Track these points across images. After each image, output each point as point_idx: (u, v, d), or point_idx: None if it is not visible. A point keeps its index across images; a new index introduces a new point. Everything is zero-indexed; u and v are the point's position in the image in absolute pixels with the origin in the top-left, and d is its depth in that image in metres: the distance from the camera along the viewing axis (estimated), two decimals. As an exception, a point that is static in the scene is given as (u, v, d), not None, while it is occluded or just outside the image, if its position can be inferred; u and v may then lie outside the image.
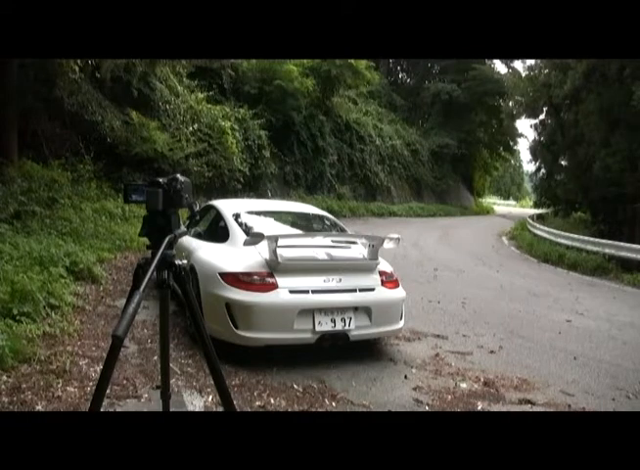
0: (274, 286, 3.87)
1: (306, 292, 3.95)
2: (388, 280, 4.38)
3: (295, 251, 4.09)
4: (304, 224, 5.34)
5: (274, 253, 3.88)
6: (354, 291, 4.13)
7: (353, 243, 4.57)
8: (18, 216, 7.28)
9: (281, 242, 3.92)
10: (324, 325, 3.92)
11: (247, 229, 4.47)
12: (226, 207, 5.16)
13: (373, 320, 4.13)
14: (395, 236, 4.27)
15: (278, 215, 5.35)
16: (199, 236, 5.13)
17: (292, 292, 3.91)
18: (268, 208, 5.91)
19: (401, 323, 4.49)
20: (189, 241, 5.01)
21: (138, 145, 11.50)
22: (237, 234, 4.46)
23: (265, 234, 3.93)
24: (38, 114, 10.03)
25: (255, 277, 3.89)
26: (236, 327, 3.83)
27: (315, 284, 4.00)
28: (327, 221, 5.44)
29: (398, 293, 4.45)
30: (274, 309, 3.84)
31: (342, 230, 5.18)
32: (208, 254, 4.46)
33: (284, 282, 3.90)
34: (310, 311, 3.90)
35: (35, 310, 4.29)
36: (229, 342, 3.85)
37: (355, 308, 4.08)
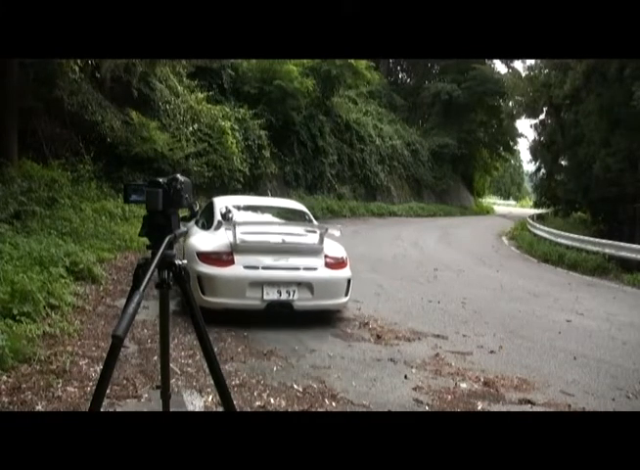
0: (232, 262, 4.87)
1: (257, 268, 4.90)
2: (335, 262, 5.21)
3: (253, 236, 5.03)
4: (282, 216, 6.25)
5: (234, 236, 4.87)
6: (298, 269, 5.03)
7: (312, 232, 5.38)
8: (18, 216, 7.28)
9: (242, 228, 4.95)
10: (271, 295, 4.85)
11: (228, 219, 5.34)
12: (218, 201, 6.10)
13: (315, 294, 4.97)
14: (338, 226, 5.70)
15: (261, 209, 6.37)
16: (200, 225, 5.92)
17: (245, 267, 4.88)
18: (253, 203, 6.89)
19: (345, 299, 5.27)
20: (190, 229, 5.63)
21: (138, 145, 11.50)
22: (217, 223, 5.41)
23: (225, 221, 5.05)
24: (38, 114, 10.03)
25: (219, 255, 4.90)
26: (203, 293, 4.78)
27: (265, 262, 4.94)
28: (300, 214, 6.31)
29: (342, 273, 5.24)
30: (230, 280, 4.82)
31: (310, 221, 6.05)
32: (195, 238, 5.43)
33: (240, 260, 4.88)
34: (260, 283, 4.84)
35: (35, 310, 4.29)
36: (200, 306, 4.33)
37: (298, 283, 4.94)
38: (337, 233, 5.40)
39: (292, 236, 5.23)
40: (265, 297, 4.83)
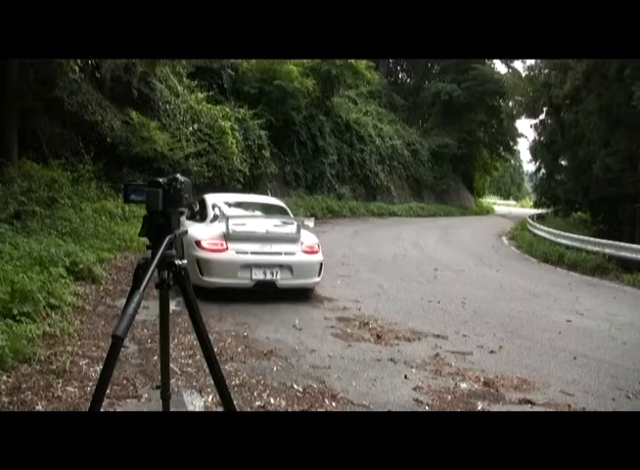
0: (226, 249, 5.83)
1: (246, 253, 5.85)
2: (309, 249, 6.22)
3: (242, 227, 5.98)
4: (264, 210, 7.21)
5: (227, 227, 5.82)
6: (280, 254, 6.00)
7: (290, 224, 6.32)
8: (18, 216, 7.28)
9: (233, 221, 5.91)
10: (258, 275, 5.82)
11: (219, 213, 6.36)
12: (209, 198, 7.07)
13: (294, 274, 5.99)
14: (311, 219, 6.51)
15: (246, 204, 7.37)
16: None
17: (237, 253, 5.83)
18: (240, 199, 7.85)
19: (318, 278, 6.31)
20: (184, 222, 6.15)
21: (138, 145, 11.50)
22: (210, 216, 6.46)
23: (221, 215, 6.08)
24: (38, 114, 10.03)
25: (215, 243, 5.85)
26: (201, 274, 5.74)
27: (253, 249, 5.90)
28: (278, 208, 7.29)
29: (315, 257, 6.27)
30: (224, 263, 5.79)
31: (288, 214, 7.02)
32: (192, 229, 5.98)
33: (233, 246, 5.85)
34: (249, 266, 5.81)
35: (35, 310, 4.29)
36: (198, 285, 5.38)
37: (280, 266, 5.93)
38: (310, 225, 6.33)
39: (274, 227, 6.21)
40: (253, 277, 5.80)
